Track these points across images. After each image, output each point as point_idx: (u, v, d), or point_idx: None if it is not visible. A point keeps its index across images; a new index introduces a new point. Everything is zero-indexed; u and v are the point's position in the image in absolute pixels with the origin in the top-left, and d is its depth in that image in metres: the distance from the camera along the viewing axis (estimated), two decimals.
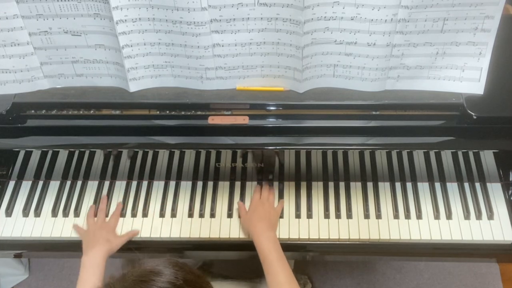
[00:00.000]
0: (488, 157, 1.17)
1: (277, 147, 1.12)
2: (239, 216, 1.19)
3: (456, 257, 1.23)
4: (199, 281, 0.80)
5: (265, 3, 0.97)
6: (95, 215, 1.19)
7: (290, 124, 1.10)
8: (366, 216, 1.18)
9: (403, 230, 1.16)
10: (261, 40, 1.04)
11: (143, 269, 0.76)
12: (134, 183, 1.25)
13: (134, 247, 1.19)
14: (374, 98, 1.09)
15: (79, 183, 1.26)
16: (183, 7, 0.98)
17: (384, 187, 1.22)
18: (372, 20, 0.98)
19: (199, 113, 1.10)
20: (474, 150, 1.15)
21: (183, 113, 1.10)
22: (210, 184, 1.24)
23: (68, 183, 1.26)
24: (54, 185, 1.26)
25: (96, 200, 1.23)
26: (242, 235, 1.17)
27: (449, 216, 1.17)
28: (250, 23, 1.01)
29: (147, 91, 1.12)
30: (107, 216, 1.20)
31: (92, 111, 1.11)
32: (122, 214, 1.21)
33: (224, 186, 1.24)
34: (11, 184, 1.26)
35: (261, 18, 1.00)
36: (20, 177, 1.26)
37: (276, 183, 1.23)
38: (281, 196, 1.22)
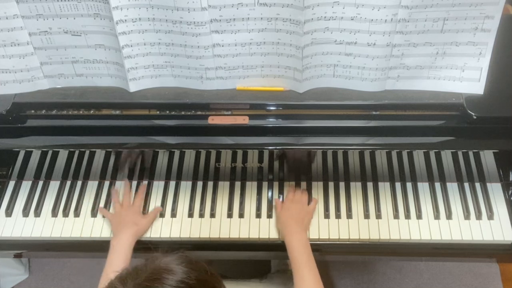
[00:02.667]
0: (488, 157, 1.17)
1: (277, 147, 1.12)
2: (239, 216, 1.18)
3: (456, 257, 1.23)
4: (212, 280, 0.80)
5: (265, 3, 0.97)
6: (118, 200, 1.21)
7: (290, 124, 1.10)
8: (366, 216, 1.18)
9: (403, 230, 1.16)
10: (261, 40, 1.04)
11: (156, 266, 0.76)
12: (134, 183, 1.25)
13: (133, 248, 1.19)
14: (374, 98, 1.09)
15: (79, 183, 1.26)
16: (183, 7, 0.98)
17: (384, 187, 1.22)
18: (372, 20, 0.98)
19: (199, 113, 1.10)
20: (474, 150, 1.15)
21: (183, 113, 1.10)
22: (210, 184, 1.24)
23: (68, 183, 1.26)
24: (54, 185, 1.26)
25: (96, 200, 1.23)
26: (242, 235, 1.17)
27: (449, 216, 1.17)
28: (250, 23, 1.01)
29: (147, 91, 1.12)
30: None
31: (92, 111, 1.11)
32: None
33: (224, 186, 1.24)
34: (11, 184, 1.26)
35: (261, 18, 1.00)
36: (20, 177, 1.26)
37: (276, 183, 1.23)
38: (281, 195, 1.22)
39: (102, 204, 1.22)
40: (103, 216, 1.21)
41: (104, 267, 1.06)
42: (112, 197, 1.22)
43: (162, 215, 1.20)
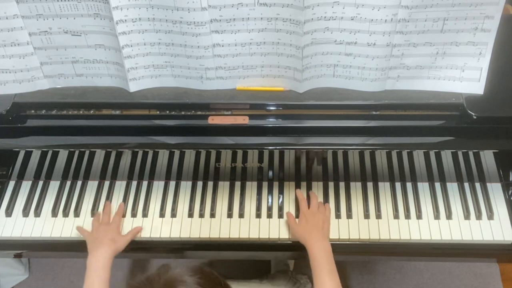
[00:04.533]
0: (488, 157, 1.17)
1: (277, 147, 1.12)
2: (239, 216, 1.19)
3: (456, 257, 1.23)
4: None
5: (265, 3, 0.97)
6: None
7: (290, 124, 1.10)
8: (366, 216, 1.18)
9: (403, 230, 1.16)
10: (261, 40, 1.04)
11: (170, 277, 0.76)
12: (134, 183, 1.25)
13: (134, 248, 1.19)
14: (374, 98, 1.09)
15: (79, 183, 1.26)
16: (183, 7, 0.98)
17: (384, 187, 1.22)
18: (372, 20, 0.98)
19: (199, 113, 1.10)
20: (474, 150, 1.15)
21: (183, 113, 1.10)
22: (210, 184, 1.24)
23: (68, 183, 1.26)
24: (54, 185, 1.26)
25: (96, 200, 1.23)
26: (242, 235, 1.17)
27: (449, 216, 1.17)
28: (250, 23, 1.01)
29: (147, 91, 1.12)
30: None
31: (92, 111, 1.11)
32: (123, 214, 1.21)
33: (224, 186, 1.24)
34: (11, 184, 1.26)
35: (261, 18, 1.00)
36: (20, 177, 1.26)
37: (276, 183, 1.23)
38: (281, 195, 1.22)
39: (102, 204, 1.22)
40: None
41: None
42: (94, 217, 1.19)
43: (162, 215, 1.20)
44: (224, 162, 1.21)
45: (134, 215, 1.21)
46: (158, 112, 1.11)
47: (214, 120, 1.09)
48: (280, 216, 1.19)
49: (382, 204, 1.19)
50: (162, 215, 1.20)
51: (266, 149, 1.14)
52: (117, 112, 1.11)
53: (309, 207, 1.16)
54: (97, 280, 1.02)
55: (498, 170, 1.19)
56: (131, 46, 1.05)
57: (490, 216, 1.16)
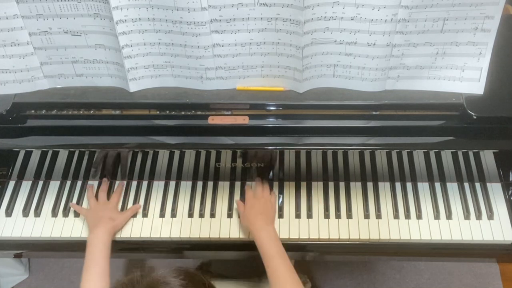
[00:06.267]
0: (488, 157, 1.17)
1: (277, 147, 1.12)
2: (239, 216, 1.19)
3: (456, 257, 1.23)
4: None
5: (265, 3, 0.97)
6: (95, 196, 1.21)
7: (290, 124, 1.10)
8: (366, 216, 1.18)
9: (403, 230, 1.16)
10: (261, 40, 1.04)
11: (153, 279, 0.76)
12: (134, 183, 1.25)
13: (134, 247, 1.19)
14: (374, 98, 1.09)
15: (79, 183, 1.26)
16: (183, 7, 0.98)
17: (384, 187, 1.22)
18: (372, 20, 0.98)
19: (199, 113, 1.10)
20: (474, 150, 1.15)
21: (183, 113, 1.10)
22: (210, 184, 1.24)
23: (68, 183, 1.26)
24: (54, 185, 1.26)
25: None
26: (242, 235, 1.17)
27: (449, 216, 1.17)
28: (250, 23, 1.01)
29: (147, 91, 1.12)
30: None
31: (92, 111, 1.11)
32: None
33: (224, 186, 1.24)
34: (11, 184, 1.26)
35: (261, 18, 1.00)
36: (20, 177, 1.26)
37: (276, 183, 1.24)
38: (281, 195, 1.22)
39: None
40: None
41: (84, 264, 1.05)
42: (87, 192, 1.22)
43: (162, 215, 1.20)
44: (224, 162, 1.21)
45: (134, 215, 1.20)
46: (158, 112, 1.11)
47: (214, 120, 1.09)
48: (280, 216, 1.19)
49: (382, 204, 1.19)
50: (162, 215, 1.20)
51: (266, 149, 1.14)
52: (117, 112, 1.11)
53: None
54: (98, 255, 1.06)
55: (498, 170, 1.19)
56: (131, 46, 1.05)
57: (490, 216, 1.16)
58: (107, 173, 1.25)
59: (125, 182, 1.23)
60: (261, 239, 1.06)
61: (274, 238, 1.07)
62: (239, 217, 1.19)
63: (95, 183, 1.25)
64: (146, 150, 1.19)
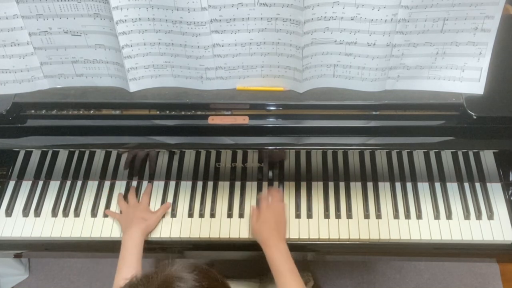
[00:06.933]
0: (488, 157, 1.17)
1: (277, 147, 1.12)
2: (239, 216, 1.19)
3: (456, 257, 1.23)
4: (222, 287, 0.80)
5: (265, 3, 0.97)
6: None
7: (290, 124, 1.10)
8: (366, 216, 1.18)
9: (403, 230, 1.16)
10: (261, 40, 1.04)
11: (167, 274, 0.76)
12: (134, 183, 1.25)
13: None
14: (374, 98, 1.09)
15: (79, 183, 1.26)
16: (183, 7, 0.98)
17: (384, 187, 1.22)
18: (372, 20, 0.98)
19: (199, 113, 1.10)
20: (474, 150, 1.15)
21: (183, 113, 1.10)
22: (210, 184, 1.24)
23: (68, 183, 1.26)
24: (54, 185, 1.26)
25: (96, 200, 1.23)
26: (242, 235, 1.17)
27: (449, 216, 1.17)
28: (250, 23, 1.01)
29: (147, 91, 1.12)
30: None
31: (92, 111, 1.11)
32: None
33: (224, 186, 1.24)
34: (11, 184, 1.26)
35: (261, 18, 1.00)
36: (20, 177, 1.26)
37: (276, 183, 1.23)
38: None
39: (103, 204, 1.22)
40: (103, 216, 1.21)
41: (117, 263, 1.08)
42: (118, 200, 1.23)
43: (162, 215, 1.20)
44: (224, 162, 1.21)
45: None
46: (158, 112, 1.11)
47: (214, 120, 1.09)
48: None
49: (382, 204, 1.19)
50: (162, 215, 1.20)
51: (266, 149, 1.14)
52: (117, 112, 1.11)
53: None
54: (130, 257, 1.08)
55: (498, 170, 1.19)
56: (131, 46, 1.05)
57: (490, 216, 1.16)
58: (107, 173, 1.25)
59: (151, 185, 1.24)
60: (273, 255, 1.06)
61: (286, 256, 1.06)
62: (239, 217, 1.19)
63: (95, 183, 1.25)
64: (146, 150, 1.19)
